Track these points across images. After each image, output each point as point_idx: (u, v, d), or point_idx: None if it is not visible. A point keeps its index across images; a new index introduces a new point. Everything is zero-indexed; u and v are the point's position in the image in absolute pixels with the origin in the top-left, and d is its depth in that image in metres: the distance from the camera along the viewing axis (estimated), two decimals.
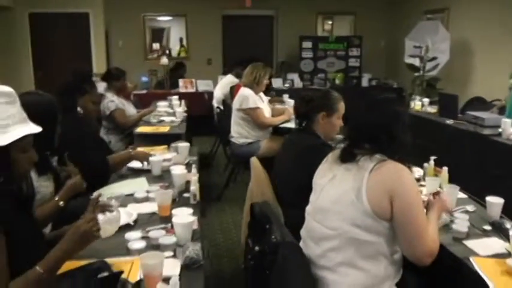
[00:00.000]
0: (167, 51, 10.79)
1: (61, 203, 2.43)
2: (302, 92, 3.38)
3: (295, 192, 2.72)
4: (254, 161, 3.16)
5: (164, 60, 9.04)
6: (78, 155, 2.82)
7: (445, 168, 3.15)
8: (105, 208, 2.02)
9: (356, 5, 11.26)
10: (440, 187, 2.91)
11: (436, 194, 2.42)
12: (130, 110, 5.73)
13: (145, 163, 3.47)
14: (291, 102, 6.65)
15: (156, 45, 10.44)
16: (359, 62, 10.54)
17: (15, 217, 1.75)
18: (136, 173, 3.41)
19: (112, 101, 5.40)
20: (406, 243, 1.98)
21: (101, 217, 1.95)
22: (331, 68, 10.61)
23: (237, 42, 11.27)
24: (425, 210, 2.17)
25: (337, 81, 10.35)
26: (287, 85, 9.85)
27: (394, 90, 9.54)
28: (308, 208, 2.25)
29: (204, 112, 7.89)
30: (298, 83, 10.07)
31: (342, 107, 3.15)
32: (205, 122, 7.58)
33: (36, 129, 1.78)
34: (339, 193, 2.05)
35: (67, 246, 1.72)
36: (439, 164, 3.26)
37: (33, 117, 1.82)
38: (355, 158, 2.07)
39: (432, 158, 3.28)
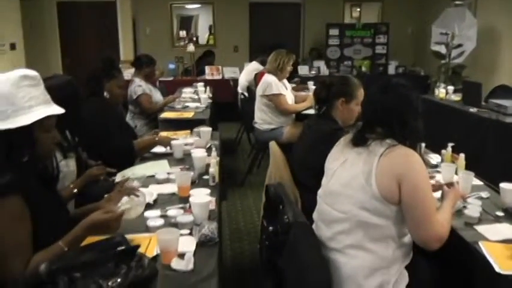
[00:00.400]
0: (194, 39, 10.88)
1: (75, 190, 2.59)
2: (323, 77, 3.41)
3: (311, 176, 2.74)
4: (273, 146, 3.23)
5: (191, 47, 9.13)
6: (104, 139, 2.93)
7: (462, 155, 3.16)
8: (131, 192, 2.14)
9: None
10: (456, 173, 2.95)
11: (450, 184, 2.45)
12: (157, 96, 5.83)
13: (168, 147, 3.57)
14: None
15: (182, 33, 10.53)
16: (386, 49, 10.44)
17: (40, 194, 1.85)
18: (158, 156, 3.50)
19: (139, 86, 5.50)
20: (413, 226, 2.01)
21: (125, 199, 2.06)
22: (358, 55, 10.55)
23: (263, 30, 11.27)
24: (434, 194, 2.20)
25: (363, 69, 10.28)
26: (313, 72, 9.83)
27: (419, 79, 9.45)
28: (320, 191, 2.30)
29: (229, 99, 7.94)
30: (324, 70, 10.05)
31: (361, 93, 3.18)
32: (230, 109, 7.66)
33: (59, 110, 1.87)
34: (349, 177, 2.10)
35: (87, 228, 1.82)
36: (458, 151, 3.27)
37: (55, 100, 1.91)
38: (367, 142, 2.11)
39: (450, 144, 3.30)
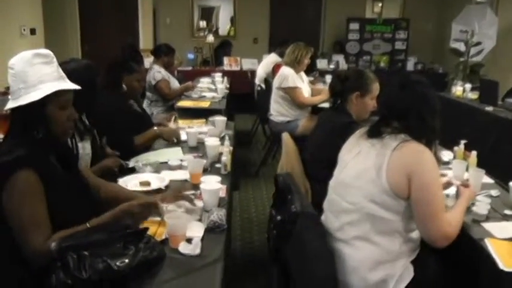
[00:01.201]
0: (214, 30, 10.90)
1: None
2: (338, 71, 3.42)
3: (323, 168, 2.73)
4: (286, 137, 3.25)
5: (210, 38, 9.17)
6: (107, 131, 2.98)
7: (474, 152, 3.15)
8: (187, 199, 2.20)
9: None
10: (467, 170, 2.94)
11: (465, 184, 2.45)
12: (175, 84, 5.90)
13: (181, 134, 3.62)
14: None
15: (203, 24, 10.56)
16: (405, 45, 10.38)
17: (58, 173, 1.89)
18: (172, 144, 3.55)
19: (159, 72, 5.61)
20: (421, 223, 2.02)
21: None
22: (377, 51, 10.50)
23: (284, 22, 11.25)
24: (444, 192, 2.20)
25: (382, 64, 10.23)
26: (332, 66, 9.81)
27: (437, 76, 9.38)
28: (331, 182, 2.31)
29: (247, 90, 7.98)
30: (343, 65, 10.00)
31: (376, 88, 3.18)
32: (247, 100, 7.67)
33: (72, 86, 1.89)
34: (361, 169, 2.11)
35: (119, 217, 1.88)
36: (472, 149, 3.25)
37: (73, 79, 1.95)
38: (381, 135, 2.13)
39: (462, 142, 3.29)
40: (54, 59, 1.88)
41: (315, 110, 5.39)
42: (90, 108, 2.75)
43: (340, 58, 10.14)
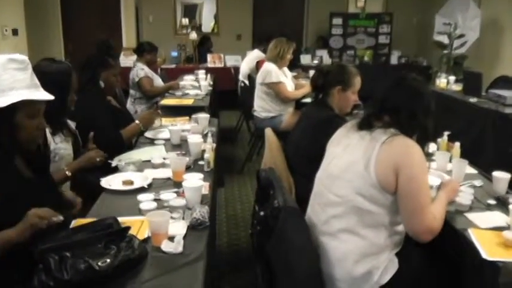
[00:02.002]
0: (197, 26, 10.88)
1: (68, 172, 2.59)
2: (320, 66, 3.42)
3: (306, 163, 2.78)
4: (268, 132, 3.24)
5: (193, 35, 9.13)
6: (94, 130, 2.95)
7: (457, 144, 3.17)
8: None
9: None
10: (450, 161, 2.96)
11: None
12: (158, 82, 5.91)
13: (164, 132, 3.60)
14: None
15: (185, 21, 10.51)
16: (389, 39, 10.42)
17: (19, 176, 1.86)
18: (153, 142, 3.54)
19: (142, 69, 5.63)
20: (406, 217, 2.03)
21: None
22: (361, 45, 10.52)
23: (267, 18, 11.27)
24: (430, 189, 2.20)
25: (366, 59, 10.27)
26: (316, 62, 9.82)
27: (421, 69, 9.44)
28: (318, 173, 2.31)
29: (231, 87, 7.96)
30: (327, 60, 10.02)
31: (357, 81, 3.19)
32: (232, 97, 7.66)
33: (44, 96, 1.84)
34: (349, 161, 2.11)
35: (16, 230, 1.72)
36: (457, 140, 3.27)
37: (47, 81, 1.91)
38: (372, 128, 2.13)
39: (446, 133, 3.31)
40: (29, 66, 1.83)
41: (299, 105, 5.41)
42: (62, 108, 2.70)
43: (323, 53, 10.16)
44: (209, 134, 3.26)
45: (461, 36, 7.99)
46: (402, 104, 2.13)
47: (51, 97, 1.86)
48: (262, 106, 5.32)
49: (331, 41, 10.53)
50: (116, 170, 2.83)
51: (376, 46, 10.49)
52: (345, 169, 2.12)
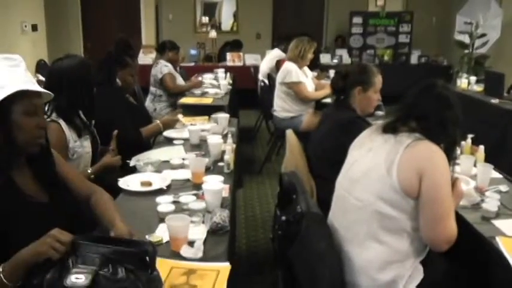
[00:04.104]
0: (217, 25, 10.86)
1: (92, 176, 2.57)
2: (339, 67, 3.35)
3: (328, 166, 2.68)
4: (289, 134, 3.19)
5: (213, 33, 9.10)
6: (112, 128, 2.92)
7: (481, 147, 3.09)
8: None
9: None
10: (474, 165, 2.88)
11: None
12: (179, 80, 5.88)
13: (183, 132, 3.57)
14: None
15: (205, 19, 10.49)
16: (409, 38, 10.26)
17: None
18: (172, 142, 3.50)
19: (166, 66, 5.62)
20: (427, 224, 1.95)
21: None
22: (381, 44, 10.39)
23: (286, 17, 11.19)
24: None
25: (385, 58, 10.13)
26: (335, 61, 9.72)
27: (441, 69, 9.32)
28: (339, 177, 2.25)
29: (250, 86, 7.89)
30: (346, 59, 9.91)
31: (378, 81, 3.11)
32: (251, 96, 7.60)
33: (39, 88, 1.71)
34: (372, 165, 2.06)
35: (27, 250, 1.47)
36: (478, 142, 3.20)
37: (67, 80, 1.86)
38: (396, 132, 2.07)
39: (469, 136, 3.22)
40: (23, 63, 1.72)
41: (319, 105, 5.36)
42: (88, 105, 2.68)
43: (343, 52, 10.04)
44: (229, 135, 3.21)
45: (482, 35, 7.86)
46: (432, 111, 2.06)
47: (48, 92, 1.77)
48: (281, 106, 5.26)
49: (351, 40, 10.42)
50: (134, 170, 2.80)
51: (396, 45, 10.34)
52: (367, 172, 2.06)
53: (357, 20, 10.40)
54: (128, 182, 2.54)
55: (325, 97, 5.24)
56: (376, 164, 2.03)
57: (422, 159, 1.95)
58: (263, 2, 11.07)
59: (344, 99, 3.13)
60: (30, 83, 1.69)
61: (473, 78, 6.30)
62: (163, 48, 5.81)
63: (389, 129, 2.12)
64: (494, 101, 5.33)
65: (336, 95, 3.22)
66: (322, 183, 2.83)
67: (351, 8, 10.49)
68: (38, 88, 1.69)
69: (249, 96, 7.62)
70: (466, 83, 6.24)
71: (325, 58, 9.71)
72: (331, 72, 7.10)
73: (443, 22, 10.65)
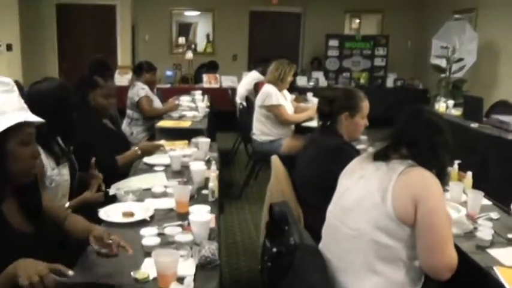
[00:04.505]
0: (193, 46, 10.82)
1: (69, 210, 2.40)
2: (325, 91, 3.32)
3: (316, 193, 2.72)
4: (275, 160, 3.11)
5: (189, 55, 9.08)
6: (86, 153, 2.80)
7: (469, 173, 3.07)
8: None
9: (384, 3, 11.12)
10: (464, 192, 2.85)
11: None
12: (156, 102, 5.79)
13: (163, 158, 3.47)
14: (315, 100, 6.61)
15: (181, 40, 10.45)
16: (385, 61, 10.41)
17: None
18: (153, 168, 3.38)
19: (143, 89, 5.49)
20: (426, 252, 1.92)
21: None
22: (357, 67, 10.51)
23: (263, 39, 11.29)
24: None
25: (361, 81, 10.23)
26: (311, 83, 9.77)
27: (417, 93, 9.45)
28: (330, 206, 2.22)
29: (227, 108, 7.87)
30: (322, 82, 9.99)
31: (365, 106, 3.08)
32: (228, 118, 7.58)
33: (34, 118, 1.68)
34: (364, 192, 2.03)
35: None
36: (462, 168, 3.18)
37: (45, 105, 1.76)
38: (388, 159, 2.05)
39: (456, 162, 3.19)
40: (15, 88, 1.67)
41: (299, 129, 5.34)
42: (67, 130, 2.57)
43: (319, 75, 10.11)
44: (213, 162, 3.11)
45: (460, 60, 7.95)
46: (422, 137, 2.07)
47: (42, 120, 1.71)
48: (261, 129, 5.21)
49: (327, 63, 10.51)
50: (114, 199, 2.68)
51: (372, 68, 10.48)
52: (360, 201, 2.03)
53: (333, 42, 10.52)
54: (109, 213, 2.42)
55: (305, 120, 5.21)
56: (368, 191, 2.01)
57: (416, 186, 1.93)
58: (239, 23, 11.13)
59: (331, 124, 3.08)
60: (24, 110, 1.64)
61: (451, 102, 6.36)
62: (140, 69, 5.69)
63: (381, 156, 2.11)
64: (474, 125, 5.36)
65: (322, 120, 3.18)
66: (310, 211, 2.79)
67: (327, 30, 10.61)
68: (35, 118, 1.64)
69: (225, 118, 7.57)
70: (445, 106, 6.29)
71: (301, 81, 9.74)
72: (309, 95, 7.16)
73: (419, 46, 10.83)
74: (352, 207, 2.05)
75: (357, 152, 2.87)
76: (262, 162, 5.44)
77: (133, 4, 10.36)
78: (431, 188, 1.93)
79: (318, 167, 2.89)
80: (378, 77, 10.42)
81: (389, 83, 10.14)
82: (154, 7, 10.74)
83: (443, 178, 2.06)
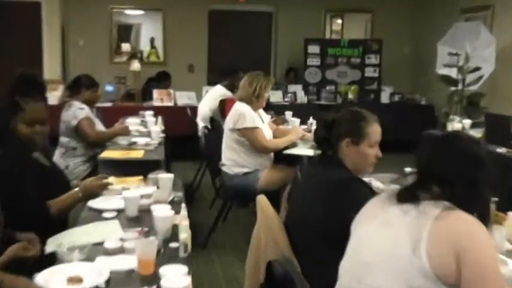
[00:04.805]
0: (139, 54, 10.73)
1: None
2: (325, 114, 3.25)
3: (319, 243, 2.70)
4: (262, 200, 3.02)
5: (135, 65, 9.03)
6: (8, 199, 2.64)
7: (510, 214, 3.03)
8: None
9: (373, 1, 11.31)
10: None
11: None
12: (99, 127, 5.70)
13: (114, 200, 3.36)
14: (296, 121, 6.60)
15: (125, 46, 10.36)
16: (378, 72, 10.56)
17: None
18: (102, 215, 3.22)
19: (82, 109, 5.38)
20: None
21: None
22: (343, 79, 10.61)
23: (226, 44, 11.29)
24: None
25: (350, 96, 10.34)
26: (287, 99, 9.82)
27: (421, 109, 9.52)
28: (343, 262, 2.18)
29: (184, 131, 7.86)
30: (301, 97, 10.08)
31: (374, 131, 3.00)
32: (186, 145, 7.56)
33: None
34: (390, 244, 1.99)
35: None
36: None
37: None
38: (417, 200, 2.00)
39: (493, 199, 3.14)
40: None
41: (280, 157, 5.30)
42: None
43: (297, 89, 10.19)
44: (182, 205, 2.99)
45: (476, 69, 8.03)
46: (458, 173, 2.03)
47: None
48: (232, 159, 5.16)
49: (307, 74, 10.60)
50: (53, 259, 2.52)
51: (363, 80, 10.60)
52: (384, 254, 1.99)
53: (313, 49, 10.64)
54: (48, 279, 2.25)
55: (286, 147, 5.20)
56: (395, 242, 1.97)
57: (459, 234, 1.89)
58: (196, 25, 11.17)
59: (333, 154, 2.99)
60: None
61: (467, 122, 6.42)
62: (78, 85, 5.56)
63: (408, 197, 2.06)
64: (500, 150, 5.37)
65: (320, 148, 3.09)
66: (310, 265, 2.69)
67: (305, 34, 10.71)
68: None
69: (181, 144, 7.53)
70: (460, 127, 6.32)
71: (275, 96, 9.70)
72: (288, 115, 7.12)
73: (420, 53, 10.98)
74: (374, 262, 2.01)
75: (371, 190, 2.82)
76: (234, 200, 5.38)
77: (63, 1, 10.27)
78: (478, 235, 1.89)
79: (320, 210, 2.79)
80: (370, 91, 10.55)
81: (385, 98, 10.28)
82: (89, 4, 10.66)
83: (485, 219, 2.01)
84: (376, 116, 3.07)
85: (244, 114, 5.01)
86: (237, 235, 5.29)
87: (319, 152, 3.11)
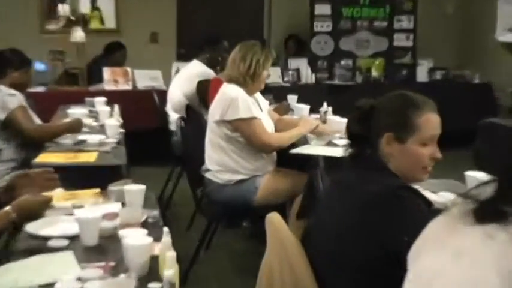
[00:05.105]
0: (83, 19, 10.71)
1: None
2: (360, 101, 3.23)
3: (361, 277, 2.70)
4: (274, 218, 3.01)
5: (79, 34, 8.94)
6: None
7: None
8: None
9: None
10: None
11: None
12: (35, 119, 5.73)
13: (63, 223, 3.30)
14: (304, 108, 6.59)
15: (62, 8, 10.28)
16: (412, 40, 10.56)
17: None
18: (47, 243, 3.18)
19: (12, 95, 5.40)
20: None
21: None
22: (364, 51, 10.67)
23: (202, 6, 11.28)
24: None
25: (373, 73, 10.35)
26: (287, 78, 9.84)
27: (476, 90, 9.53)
28: None
29: (149, 125, 7.97)
30: (307, 75, 10.09)
31: (428, 123, 2.98)
32: (151, 143, 7.71)
33: None
34: (470, 279, 1.90)
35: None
36: None
37: None
38: (505, 219, 1.92)
39: None
40: None
41: (284, 158, 5.33)
42: None
43: (301, 64, 10.20)
44: (165, 229, 2.93)
45: None
46: None
47: None
48: (220, 162, 5.18)
49: (314, 44, 10.60)
50: None
51: (391, 52, 10.60)
52: None
53: (322, 9, 10.66)
54: None
55: (294, 145, 5.26)
56: (477, 276, 1.88)
57: None
58: None
59: (371, 154, 2.98)
60: None
61: None
62: (3, 64, 5.58)
63: (489, 215, 1.99)
64: None
65: (353, 147, 3.10)
66: None
67: None
68: None
69: (145, 142, 7.71)
70: None
71: (272, 74, 9.68)
72: (291, 99, 7.11)
73: (469, 13, 10.97)
74: None
75: (429, 204, 2.80)
76: (221, 219, 5.48)
77: None
78: None
79: (358, 232, 2.80)
80: (401, 66, 10.59)
81: (422, 75, 10.32)
82: None
83: None
84: (432, 102, 3.05)
85: (237, 101, 5.00)
86: (225, 265, 5.31)
87: (351, 151, 3.10)
